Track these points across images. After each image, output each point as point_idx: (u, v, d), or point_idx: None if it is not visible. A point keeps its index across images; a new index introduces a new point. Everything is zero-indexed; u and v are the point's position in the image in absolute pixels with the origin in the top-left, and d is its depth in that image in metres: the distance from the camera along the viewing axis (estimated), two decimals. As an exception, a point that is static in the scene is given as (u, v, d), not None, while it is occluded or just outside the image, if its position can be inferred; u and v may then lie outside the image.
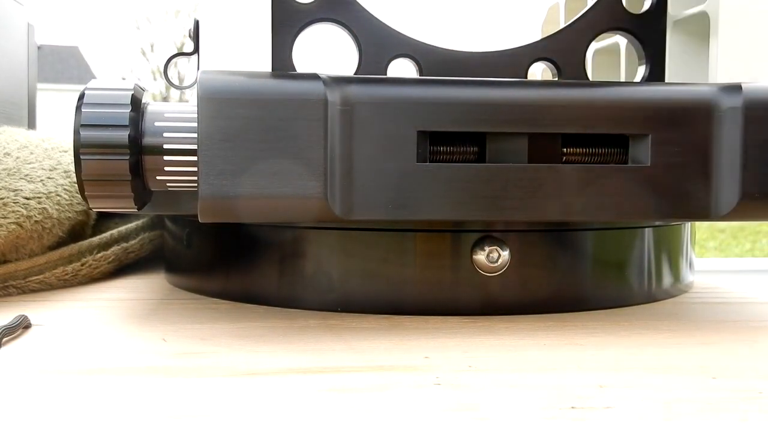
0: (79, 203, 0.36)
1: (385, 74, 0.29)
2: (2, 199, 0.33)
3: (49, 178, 0.35)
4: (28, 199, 0.33)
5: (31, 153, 0.35)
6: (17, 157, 0.35)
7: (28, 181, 0.34)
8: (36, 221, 0.34)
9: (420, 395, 0.20)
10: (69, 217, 0.36)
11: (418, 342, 0.26)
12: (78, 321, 0.29)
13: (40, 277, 0.35)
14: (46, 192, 0.34)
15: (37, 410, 0.19)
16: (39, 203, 0.34)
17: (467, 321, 0.29)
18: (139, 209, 0.27)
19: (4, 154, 0.34)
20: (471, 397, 0.20)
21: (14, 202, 0.33)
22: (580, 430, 0.18)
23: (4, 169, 0.34)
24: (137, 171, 0.26)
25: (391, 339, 0.27)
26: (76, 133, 0.25)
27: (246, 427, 0.18)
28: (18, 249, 0.34)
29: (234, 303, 0.32)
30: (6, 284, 0.34)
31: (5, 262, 0.34)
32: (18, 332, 0.27)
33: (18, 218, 0.33)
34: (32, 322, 0.28)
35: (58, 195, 0.35)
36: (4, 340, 0.25)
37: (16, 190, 0.33)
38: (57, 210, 0.35)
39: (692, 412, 0.19)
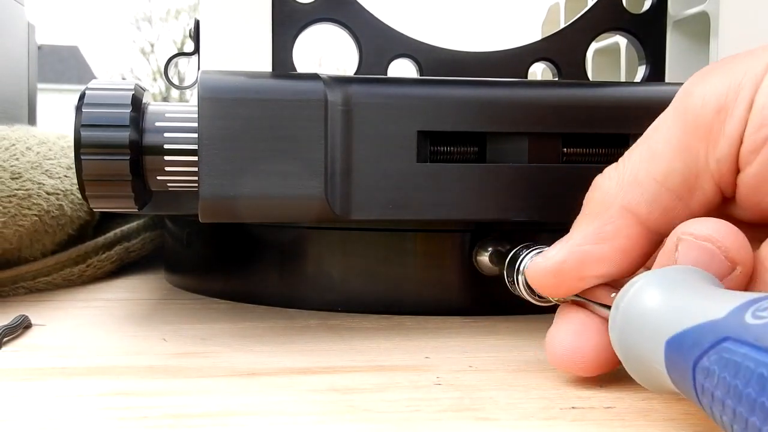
0: None
1: (386, 74, 0.29)
2: (28, 190, 0.33)
3: (66, 176, 0.36)
4: (49, 194, 0.34)
5: (50, 149, 0.36)
6: (38, 152, 0.35)
7: (49, 177, 0.34)
8: (53, 216, 0.34)
9: (420, 395, 0.20)
10: (79, 216, 0.36)
11: (418, 342, 0.26)
12: (78, 321, 0.29)
13: (48, 278, 0.35)
14: (64, 189, 0.35)
15: (37, 410, 0.19)
16: (58, 199, 0.34)
17: (467, 321, 0.29)
18: (139, 209, 0.27)
19: (26, 148, 0.35)
20: (471, 397, 0.20)
21: (38, 195, 0.33)
22: (580, 430, 0.18)
23: (29, 162, 0.34)
24: (138, 171, 0.26)
25: (391, 339, 0.27)
26: (77, 133, 0.25)
27: (246, 426, 0.18)
28: (33, 243, 0.34)
29: (234, 303, 0.32)
30: (16, 285, 0.34)
31: (20, 254, 0.34)
32: (18, 332, 0.27)
33: (39, 211, 0.33)
34: (33, 321, 0.28)
35: (72, 194, 0.35)
36: (5, 339, 0.25)
37: (40, 183, 0.34)
38: (71, 208, 0.35)
39: (693, 412, 0.19)
